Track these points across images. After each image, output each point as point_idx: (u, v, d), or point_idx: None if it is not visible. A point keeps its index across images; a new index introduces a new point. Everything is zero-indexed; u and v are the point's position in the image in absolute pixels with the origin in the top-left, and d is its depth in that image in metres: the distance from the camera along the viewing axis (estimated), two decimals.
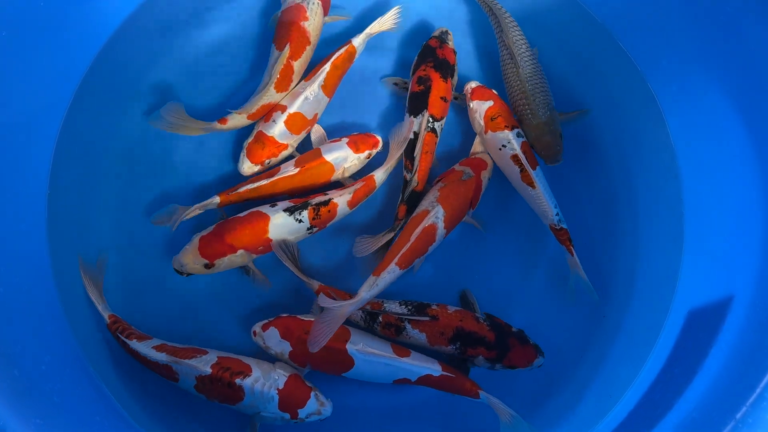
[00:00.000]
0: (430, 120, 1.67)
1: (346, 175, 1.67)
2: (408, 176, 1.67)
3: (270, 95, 1.67)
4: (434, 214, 1.54)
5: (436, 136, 1.69)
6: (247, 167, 1.65)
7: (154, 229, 1.64)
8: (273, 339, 1.49)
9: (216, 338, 1.62)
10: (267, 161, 1.66)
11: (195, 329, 1.63)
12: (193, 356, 1.44)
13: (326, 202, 1.58)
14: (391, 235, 1.60)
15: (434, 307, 1.56)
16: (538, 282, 1.72)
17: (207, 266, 1.52)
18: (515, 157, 1.63)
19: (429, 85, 1.70)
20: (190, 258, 1.52)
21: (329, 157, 1.64)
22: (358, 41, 1.74)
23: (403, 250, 1.50)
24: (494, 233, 1.73)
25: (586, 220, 1.72)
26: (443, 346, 1.53)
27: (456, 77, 1.77)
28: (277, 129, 1.66)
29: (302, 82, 1.70)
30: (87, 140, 1.71)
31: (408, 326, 1.53)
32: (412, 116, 1.69)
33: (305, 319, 1.51)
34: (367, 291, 1.47)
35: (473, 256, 1.73)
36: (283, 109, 1.66)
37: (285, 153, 1.69)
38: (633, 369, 1.60)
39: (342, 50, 1.72)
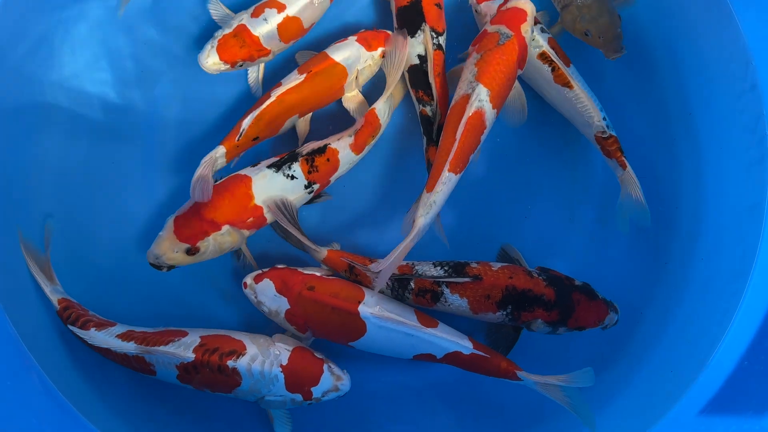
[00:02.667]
0: (433, 35, 1.49)
1: (361, 80, 1.50)
2: (428, 110, 1.47)
3: None
4: (477, 97, 1.34)
5: (444, 53, 1.51)
6: (212, 62, 1.42)
7: (111, 191, 1.50)
8: (267, 293, 1.35)
9: (197, 315, 1.48)
10: (239, 63, 1.45)
11: (170, 308, 1.49)
12: (170, 340, 1.29)
13: (322, 150, 1.40)
14: None
15: (475, 265, 1.38)
16: (583, 226, 1.56)
17: (190, 252, 1.33)
18: (543, 55, 1.44)
19: None
20: (167, 245, 1.32)
21: (339, 57, 1.44)
22: None
23: (453, 150, 1.31)
24: (526, 172, 1.58)
25: (635, 138, 1.51)
26: (491, 313, 1.36)
27: None
28: (266, 29, 1.45)
29: None
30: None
31: (446, 291, 1.36)
32: (408, 37, 1.50)
33: (306, 272, 1.37)
34: (425, 214, 1.29)
35: (503, 204, 1.57)
36: (281, 8, 1.46)
37: (262, 60, 1.49)
38: (706, 337, 1.43)
39: None
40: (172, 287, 1.48)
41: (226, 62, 1.42)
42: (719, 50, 1.52)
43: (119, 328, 1.31)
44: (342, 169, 1.43)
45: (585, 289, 1.36)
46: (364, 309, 1.30)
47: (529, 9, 1.43)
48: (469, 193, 1.49)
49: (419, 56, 1.48)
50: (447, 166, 1.30)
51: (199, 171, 1.32)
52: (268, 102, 1.38)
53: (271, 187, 1.36)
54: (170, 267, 1.34)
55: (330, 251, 1.39)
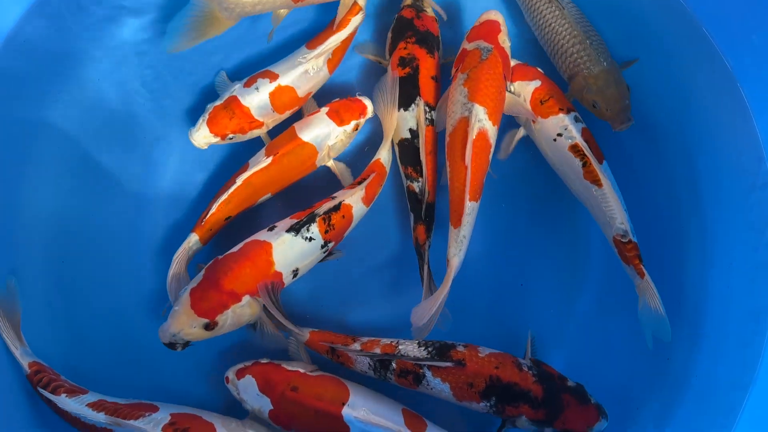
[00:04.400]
0: (427, 109, 1.44)
1: (333, 155, 1.45)
2: (415, 186, 1.43)
3: None
4: (476, 117, 1.32)
5: (434, 126, 1.47)
6: (203, 136, 1.39)
7: (97, 249, 1.44)
8: (250, 391, 1.28)
9: (173, 388, 1.41)
10: (230, 136, 1.40)
11: (146, 377, 1.42)
12: (141, 415, 1.23)
13: (337, 207, 1.35)
14: (426, 268, 1.39)
15: (461, 349, 1.30)
16: (582, 314, 1.50)
17: (208, 327, 1.24)
18: (575, 148, 1.38)
19: (416, 65, 1.47)
20: (184, 320, 1.22)
21: (307, 136, 1.39)
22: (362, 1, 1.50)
23: (468, 179, 1.29)
24: (528, 253, 1.53)
25: (640, 225, 1.42)
26: (474, 402, 1.28)
27: (441, 49, 1.55)
28: (257, 100, 1.40)
29: (303, 48, 1.46)
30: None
31: (429, 374, 1.29)
32: (401, 109, 1.46)
33: (290, 368, 1.29)
34: (458, 253, 1.30)
35: (503, 283, 1.52)
36: (273, 77, 1.41)
37: (256, 133, 1.44)
38: None
39: (358, 17, 1.47)
40: (148, 353, 1.41)
41: (215, 135, 1.39)
42: (732, 140, 1.46)
43: (91, 396, 1.25)
44: (354, 223, 1.39)
45: (577, 392, 1.29)
46: (348, 412, 1.22)
47: (501, 18, 1.46)
48: (468, 272, 1.42)
49: (410, 130, 1.43)
50: (467, 196, 1.28)
51: (173, 270, 1.29)
52: (234, 186, 1.35)
53: (291, 251, 1.29)
54: (185, 345, 1.26)
55: (312, 333, 1.33)
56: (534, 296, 1.50)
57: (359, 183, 1.39)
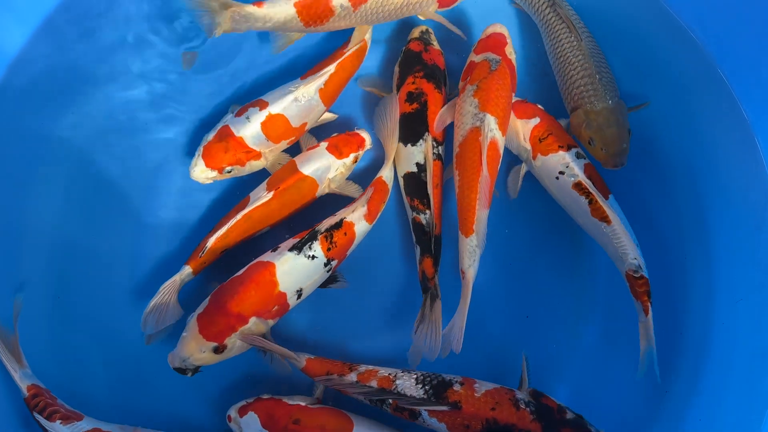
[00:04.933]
0: (434, 144, 1.44)
1: (333, 186, 1.44)
2: (422, 219, 1.42)
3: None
4: (488, 127, 1.32)
5: (443, 163, 1.47)
6: (200, 171, 1.38)
7: (99, 271, 1.44)
8: (252, 427, 1.26)
9: (173, 413, 1.40)
10: (228, 168, 1.39)
11: (145, 401, 1.40)
12: None
13: (339, 224, 1.35)
14: (439, 302, 1.36)
15: (457, 387, 1.28)
16: (587, 345, 1.48)
17: (217, 350, 1.25)
18: (579, 186, 1.36)
19: (424, 100, 1.46)
20: (193, 346, 1.24)
21: (308, 170, 1.39)
22: (368, 34, 1.50)
23: (482, 184, 1.29)
24: (532, 284, 1.52)
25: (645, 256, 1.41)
26: None
27: (448, 83, 1.55)
28: (250, 129, 1.38)
29: (298, 79, 1.45)
30: None
31: (425, 413, 1.27)
32: (409, 144, 1.44)
33: (291, 403, 1.28)
34: (472, 263, 1.30)
35: (507, 314, 1.50)
36: (263, 105, 1.40)
37: (256, 164, 1.43)
38: None
39: (352, 48, 1.47)
40: (148, 377, 1.41)
41: (213, 169, 1.37)
42: (741, 178, 1.47)
43: (86, 423, 1.24)
44: (357, 241, 1.38)
45: (576, 424, 1.25)
46: None
47: (506, 31, 1.47)
48: (471, 302, 1.38)
49: (417, 164, 1.43)
50: (479, 204, 1.29)
51: (156, 300, 1.28)
52: (234, 220, 1.34)
53: (295, 270, 1.29)
54: (196, 370, 1.26)
55: (309, 360, 1.31)
56: (539, 327, 1.48)
57: (360, 198, 1.39)
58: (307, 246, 1.30)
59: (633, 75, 1.55)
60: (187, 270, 1.33)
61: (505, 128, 1.37)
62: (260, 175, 1.45)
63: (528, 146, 1.42)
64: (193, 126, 1.55)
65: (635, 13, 1.58)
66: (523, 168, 1.47)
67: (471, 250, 1.29)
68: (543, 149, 1.40)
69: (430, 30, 1.57)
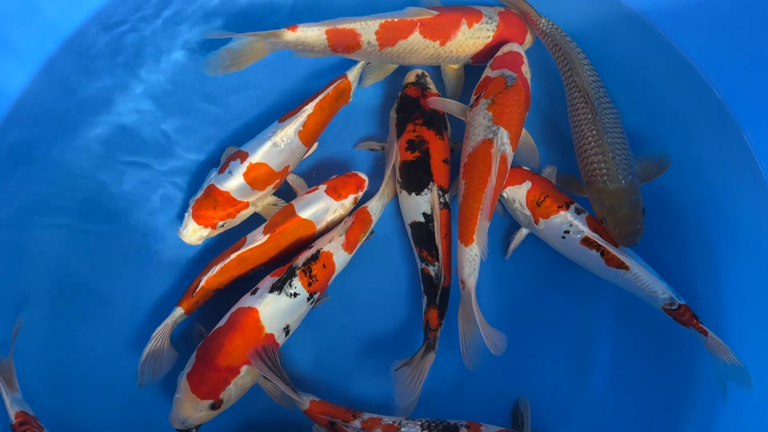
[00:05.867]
0: (440, 194, 1.43)
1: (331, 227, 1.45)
2: (430, 270, 1.40)
3: (367, 26, 1.40)
4: (500, 140, 1.33)
5: (449, 211, 1.45)
6: (192, 231, 1.38)
7: (91, 295, 1.44)
8: None
9: None
10: (220, 224, 1.39)
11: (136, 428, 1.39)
12: None
13: (315, 256, 1.34)
14: (433, 355, 1.33)
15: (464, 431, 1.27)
16: (593, 388, 1.44)
17: (214, 406, 1.23)
18: (587, 241, 1.36)
19: (426, 149, 1.45)
20: (189, 407, 1.22)
21: (306, 213, 1.39)
22: (353, 73, 1.50)
23: (487, 195, 1.30)
24: (535, 323, 1.49)
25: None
26: None
27: (449, 128, 1.53)
28: (234, 183, 1.39)
29: (275, 122, 1.45)
30: None
31: None
32: (413, 193, 1.43)
33: None
34: (472, 272, 1.31)
35: (509, 353, 1.42)
36: (243, 156, 1.40)
37: (246, 213, 1.43)
38: None
39: (331, 87, 1.47)
40: (145, 414, 1.39)
41: (205, 227, 1.37)
42: (751, 217, 1.46)
43: None
44: (338, 271, 1.38)
45: None
46: None
47: (524, 52, 1.49)
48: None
49: (424, 214, 1.41)
50: (483, 215, 1.29)
51: (150, 346, 1.27)
52: (227, 260, 1.33)
53: (278, 311, 1.28)
54: (198, 426, 1.25)
55: (312, 402, 1.29)
56: (542, 369, 1.45)
57: (339, 228, 1.38)
58: (286, 284, 1.30)
59: (639, 112, 1.54)
60: (179, 311, 1.32)
61: (515, 144, 1.38)
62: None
63: (527, 212, 1.41)
64: (193, 165, 1.55)
65: (642, 51, 1.59)
66: (522, 233, 1.47)
67: (471, 259, 1.30)
68: (543, 213, 1.39)
69: (426, 73, 1.55)
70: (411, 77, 1.53)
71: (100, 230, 1.50)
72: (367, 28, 1.39)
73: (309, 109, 1.43)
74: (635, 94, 1.57)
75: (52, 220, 1.49)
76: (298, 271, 1.31)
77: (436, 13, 1.43)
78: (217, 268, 1.33)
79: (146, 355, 1.27)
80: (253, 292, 1.30)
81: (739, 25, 1.48)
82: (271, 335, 1.27)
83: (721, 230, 1.47)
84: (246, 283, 1.38)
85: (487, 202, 1.30)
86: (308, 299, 1.32)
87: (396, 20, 1.40)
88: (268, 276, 1.33)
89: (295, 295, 1.30)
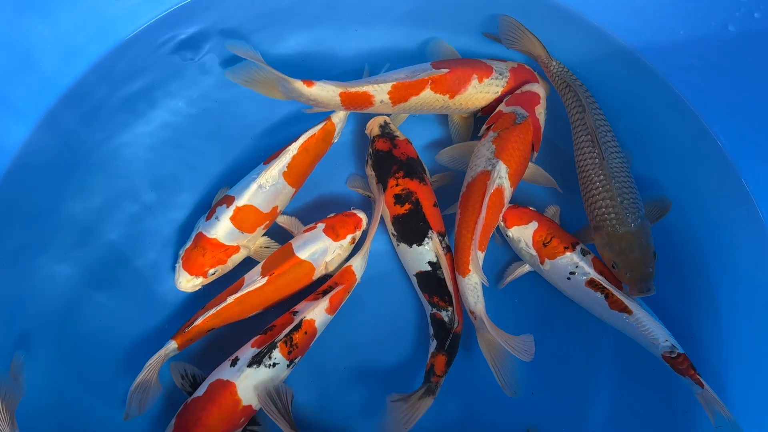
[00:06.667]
0: (440, 239, 1.43)
1: (331, 269, 1.43)
2: (443, 315, 1.39)
3: (380, 88, 1.38)
4: (498, 173, 1.34)
5: (452, 253, 1.43)
6: (185, 281, 1.38)
7: (94, 332, 1.44)
8: None
9: None
10: (211, 270, 1.38)
11: None
12: None
13: (298, 326, 1.32)
14: (431, 399, 1.31)
15: None
16: (595, 426, 1.43)
17: None
18: (592, 283, 1.35)
19: (415, 199, 1.44)
20: None
21: (304, 254, 1.37)
22: (339, 116, 1.48)
23: (478, 228, 1.31)
24: (537, 359, 1.41)
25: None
26: None
27: (427, 170, 1.53)
28: (221, 228, 1.37)
29: (260, 164, 1.45)
30: None
31: None
32: (414, 245, 1.42)
33: None
34: (477, 299, 1.32)
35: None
36: (230, 201, 1.39)
37: (238, 257, 1.42)
38: None
39: (316, 128, 1.46)
40: None
41: (197, 275, 1.37)
42: (749, 255, 1.48)
43: None
44: (319, 333, 1.37)
45: None
46: None
47: (543, 93, 1.49)
48: (474, 378, 1.43)
49: (429, 263, 1.40)
50: (475, 245, 1.30)
51: (142, 376, 1.26)
52: (224, 303, 1.32)
53: (256, 382, 1.27)
54: None
55: None
56: (544, 405, 1.44)
57: (323, 293, 1.36)
58: (266, 357, 1.28)
59: (637, 154, 1.55)
60: (172, 345, 1.31)
61: (515, 181, 1.38)
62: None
63: (533, 252, 1.40)
64: (193, 207, 1.55)
65: (642, 91, 1.62)
66: (524, 268, 1.47)
67: (472, 288, 1.30)
68: (549, 253, 1.38)
69: (388, 119, 1.53)
70: (375, 129, 1.51)
71: (106, 263, 1.51)
72: (380, 90, 1.37)
73: (293, 149, 1.42)
74: (634, 135, 1.58)
75: (52, 265, 1.50)
76: (279, 344, 1.29)
77: (447, 70, 1.43)
78: (213, 311, 1.32)
79: (136, 385, 1.26)
80: (233, 363, 1.28)
81: (734, 69, 1.50)
82: (249, 406, 1.27)
83: (720, 269, 1.49)
84: (242, 322, 1.38)
85: (478, 232, 1.30)
86: (288, 365, 1.31)
87: (408, 82, 1.39)
88: (249, 345, 1.31)
89: (275, 365, 1.29)
